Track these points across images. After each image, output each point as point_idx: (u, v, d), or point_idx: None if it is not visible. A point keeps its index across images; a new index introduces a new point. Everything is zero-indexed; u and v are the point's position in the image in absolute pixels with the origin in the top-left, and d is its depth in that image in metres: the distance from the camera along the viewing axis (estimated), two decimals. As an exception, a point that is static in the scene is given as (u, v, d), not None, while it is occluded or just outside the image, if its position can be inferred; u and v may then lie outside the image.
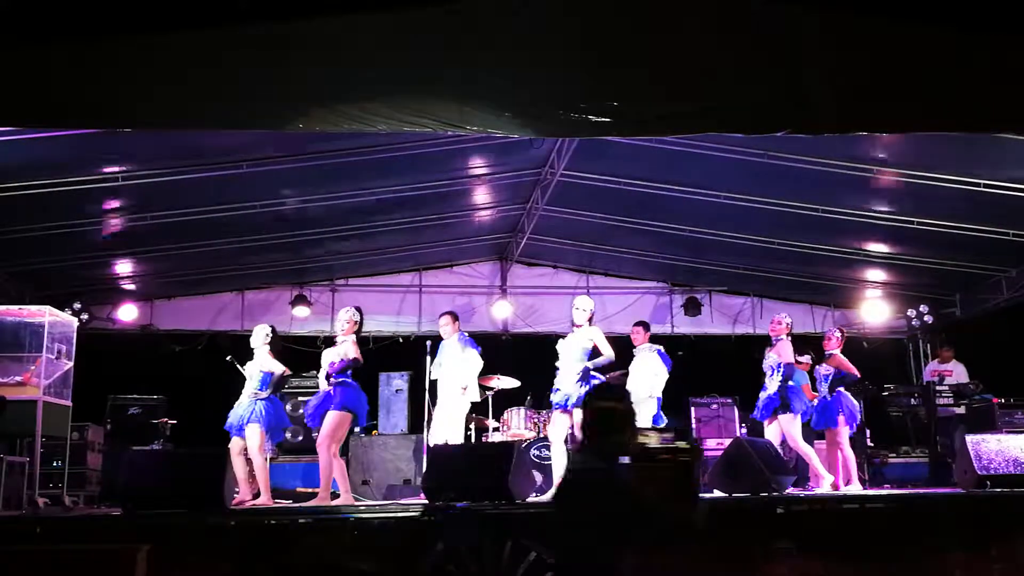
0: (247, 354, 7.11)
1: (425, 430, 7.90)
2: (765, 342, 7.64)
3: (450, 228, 10.40)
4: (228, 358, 7.42)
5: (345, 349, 6.65)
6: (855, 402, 7.53)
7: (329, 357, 6.77)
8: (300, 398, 9.68)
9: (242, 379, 6.96)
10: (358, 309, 6.98)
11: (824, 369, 7.48)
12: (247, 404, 6.73)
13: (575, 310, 7.01)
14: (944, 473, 8.47)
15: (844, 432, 7.33)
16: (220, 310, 10.90)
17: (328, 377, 6.64)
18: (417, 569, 4.67)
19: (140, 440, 9.23)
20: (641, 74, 4.11)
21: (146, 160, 7.11)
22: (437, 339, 7.96)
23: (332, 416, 6.41)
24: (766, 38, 3.80)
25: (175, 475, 5.48)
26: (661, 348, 7.77)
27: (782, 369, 7.10)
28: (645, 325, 7.89)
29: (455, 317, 7.77)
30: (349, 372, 6.61)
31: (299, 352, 9.77)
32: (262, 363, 6.83)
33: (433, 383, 7.86)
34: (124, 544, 4.43)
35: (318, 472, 6.66)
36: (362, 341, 6.97)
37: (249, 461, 6.69)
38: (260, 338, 6.94)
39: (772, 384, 7.13)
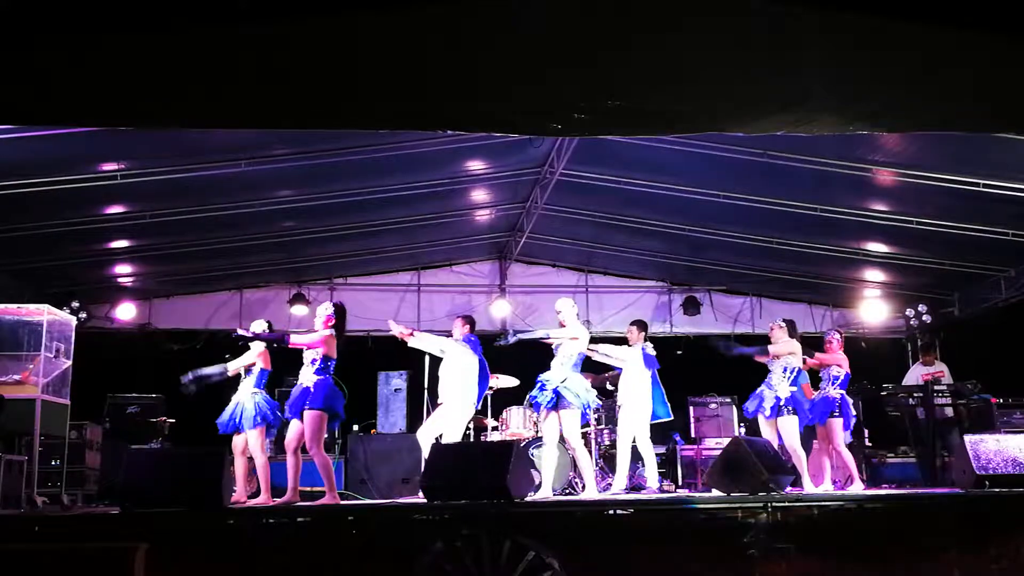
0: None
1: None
2: (764, 342, 7.62)
3: (449, 227, 10.41)
4: (227, 357, 7.39)
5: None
6: (852, 411, 7.52)
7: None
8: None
9: (239, 377, 6.96)
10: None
11: (835, 370, 7.45)
12: (249, 403, 6.70)
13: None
14: (939, 474, 8.49)
15: (837, 431, 7.32)
16: (218, 309, 10.91)
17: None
18: (416, 568, 4.67)
19: (138, 439, 9.24)
20: (641, 74, 4.11)
21: (145, 158, 7.10)
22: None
23: (312, 416, 6.14)
24: (766, 38, 3.80)
25: (173, 474, 5.46)
26: (647, 347, 7.60)
27: (795, 373, 7.15)
28: (640, 324, 7.82)
29: (466, 320, 7.63)
30: (328, 366, 6.37)
31: (297, 350, 9.73)
32: (254, 358, 6.80)
33: (432, 383, 7.86)
34: (122, 543, 4.43)
35: (317, 472, 6.61)
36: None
37: (250, 459, 6.67)
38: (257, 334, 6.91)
39: (783, 387, 7.14)
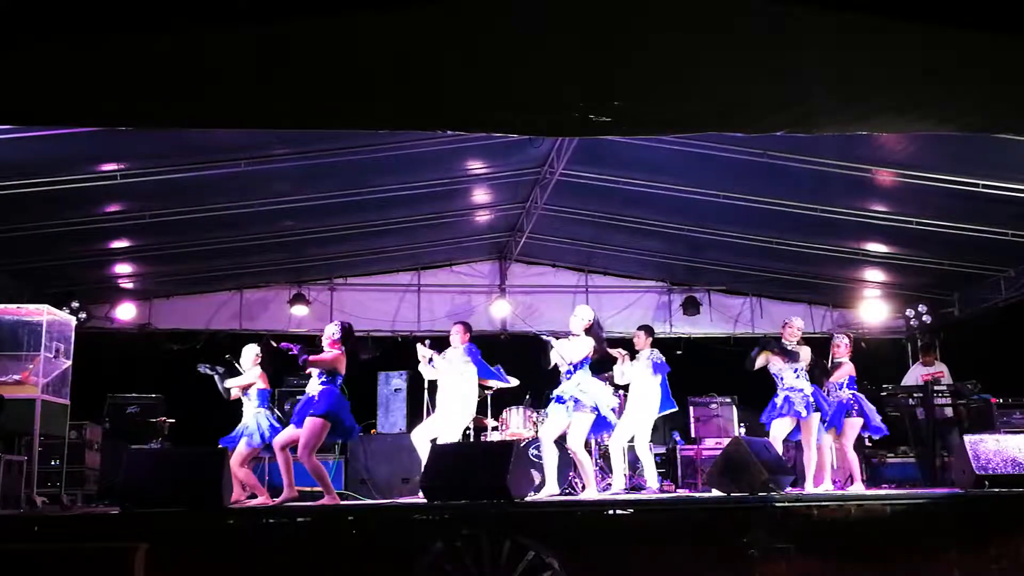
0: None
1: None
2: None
3: (449, 227, 10.40)
4: (227, 356, 7.40)
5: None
6: (872, 405, 7.51)
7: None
8: (299, 398, 9.67)
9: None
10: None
11: (837, 376, 7.44)
12: (252, 424, 6.78)
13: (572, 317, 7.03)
14: (939, 474, 8.48)
15: (853, 432, 7.32)
16: (218, 309, 10.91)
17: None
18: (416, 568, 4.67)
19: (138, 439, 9.24)
20: (641, 74, 4.11)
21: (145, 158, 7.10)
22: (436, 339, 7.94)
23: (312, 422, 6.25)
24: (766, 38, 3.80)
25: (173, 474, 5.46)
26: (655, 354, 7.61)
27: (803, 371, 7.18)
28: (647, 329, 7.81)
29: (467, 328, 7.71)
30: (336, 379, 6.49)
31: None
32: (252, 379, 6.92)
33: (432, 384, 7.86)
34: (122, 543, 4.43)
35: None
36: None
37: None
38: (250, 358, 7.02)
39: (805, 384, 7.15)
